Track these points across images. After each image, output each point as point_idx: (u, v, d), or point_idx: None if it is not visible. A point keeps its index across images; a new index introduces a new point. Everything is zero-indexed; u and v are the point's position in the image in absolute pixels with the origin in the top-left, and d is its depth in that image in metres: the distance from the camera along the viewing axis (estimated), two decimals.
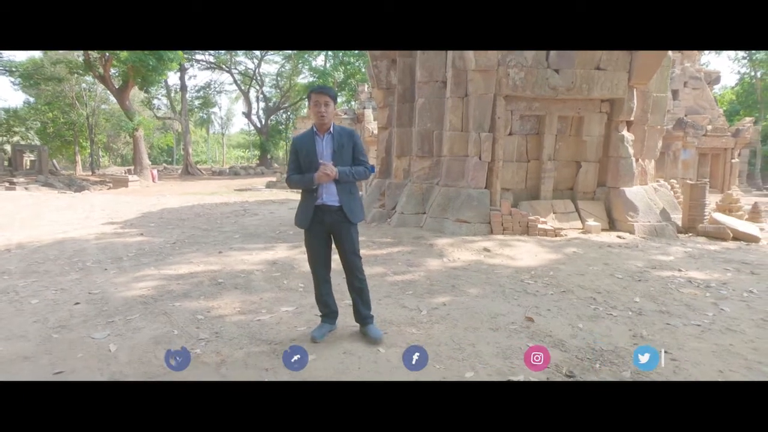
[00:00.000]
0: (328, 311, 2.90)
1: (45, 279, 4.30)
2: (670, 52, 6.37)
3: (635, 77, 6.11)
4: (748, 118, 18.46)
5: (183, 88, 30.42)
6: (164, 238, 6.24)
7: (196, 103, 38.99)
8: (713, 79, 20.15)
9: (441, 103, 6.62)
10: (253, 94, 37.59)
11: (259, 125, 36.99)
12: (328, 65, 32.37)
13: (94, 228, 7.31)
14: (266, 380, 2.34)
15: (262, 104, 38.20)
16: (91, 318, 3.22)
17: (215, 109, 47.85)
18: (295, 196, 15.53)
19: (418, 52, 6.64)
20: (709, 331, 2.97)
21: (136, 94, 28.26)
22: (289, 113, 40.44)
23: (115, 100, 26.55)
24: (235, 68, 35.77)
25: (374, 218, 7.11)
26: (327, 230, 2.73)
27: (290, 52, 32.18)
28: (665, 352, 2.66)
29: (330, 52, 31.56)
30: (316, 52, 31.99)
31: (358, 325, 2.91)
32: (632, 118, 6.43)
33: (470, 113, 6.23)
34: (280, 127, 40.60)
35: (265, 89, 37.71)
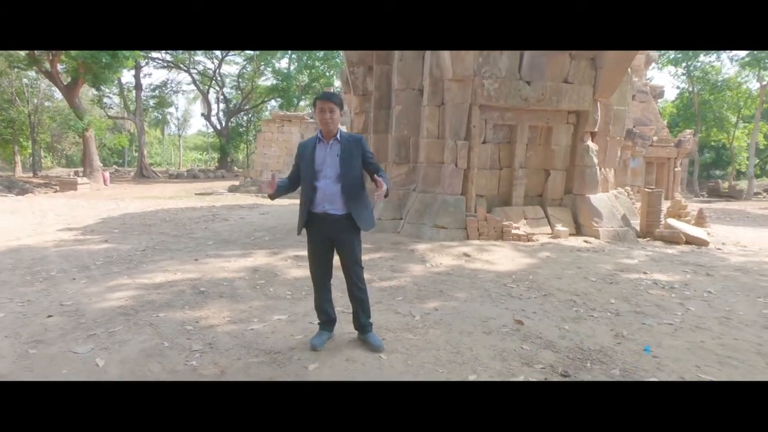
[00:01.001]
0: (327, 319, 2.89)
1: (5, 290, 4.00)
2: (630, 69, 6.81)
3: (599, 91, 6.50)
4: (688, 130, 19.95)
5: (138, 86, 29.02)
6: (132, 245, 5.95)
7: (151, 102, 37.31)
8: (657, 93, 21.65)
9: (418, 110, 6.75)
10: (212, 95, 36.48)
11: (219, 127, 35.90)
12: (292, 68, 31.96)
13: (51, 234, 6.85)
14: (268, 380, 2.31)
15: (222, 106, 37.12)
16: (69, 331, 3.04)
17: (171, 110, 46.04)
18: (263, 201, 15.25)
19: (396, 59, 6.74)
20: (681, 329, 3.22)
21: (84, 91, 26.70)
22: (250, 115, 39.55)
23: (60, 97, 24.97)
24: (194, 68, 34.58)
25: None
26: (329, 238, 2.72)
27: (252, 53, 31.55)
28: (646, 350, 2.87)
29: (294, 56, 31.22)
30: (279, 55, 31.55)
31: (355, 332, 2.92)
32: (596, 130, 6.82)
33: (446, 121, 6.39)
34: (241, 130, 39.59)
35: (226, 90, 36.69)
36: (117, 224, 7.82)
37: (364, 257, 5.15)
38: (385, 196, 2.57)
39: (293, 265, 4.94)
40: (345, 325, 3.04)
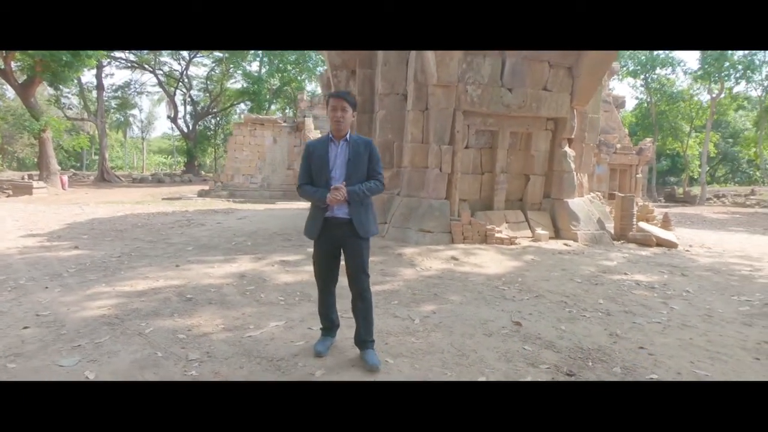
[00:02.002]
0: (330, 324, 2.82)
1: None
2: (605, 78, 7.09)
3: (576, 99, 6.74)
4: (648, 139, 20.96)
5: (99, 86, 27.79)
6: (106, 252, 5.65)
7: (113, 103, 35.85)
8: (619, 102, 22.67)
9: (402, 115, 6.78)
10: (179, 97, 35.42)
11: (186, 130, 34.85)
12: (263, 71, 31.47)
13: (12, 241, 6.41)
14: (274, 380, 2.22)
15: (189, 108, 36.09)
16: (50, 343, 2.84)
17: (135, 112, 44.40)
18: (237, 206, 14.89)
19: (379, 64, 6.75)
20: (669, 327, 3.35)
21: (40, 90, 25.29)
22: (218, 119, 38.66)
23: (13, 96, 23.57)
24: (160, 69, 33.48)
25: None
26: (336, 244, 2.62)
27: (221, 54, 30.86)
28: (641, 348, 2.97)
29: (265, 58, 30.77)
30: (249, 58, 31.02)
31: (347, 339, 2.84)
32: (573, 136, 7.06)
33: (431, 126, 6.44)
34: (209, 133, 38.65)
35: (193, 93, 35.72)
36: (85, 230, 7.42)
37: None
38: (348, 203, 2.47)
39: (281, 270, 4.83)
40: (347, 331, 2.99)
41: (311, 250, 2.60)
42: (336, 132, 2.55)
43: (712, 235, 9.17)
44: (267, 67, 31.28)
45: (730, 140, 37.32)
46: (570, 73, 6.69)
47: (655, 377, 2.52)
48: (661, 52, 27.44)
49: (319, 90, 33.69)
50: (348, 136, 2.58)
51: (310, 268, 4.96)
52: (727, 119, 35.16)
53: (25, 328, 3.07)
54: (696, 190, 28.87)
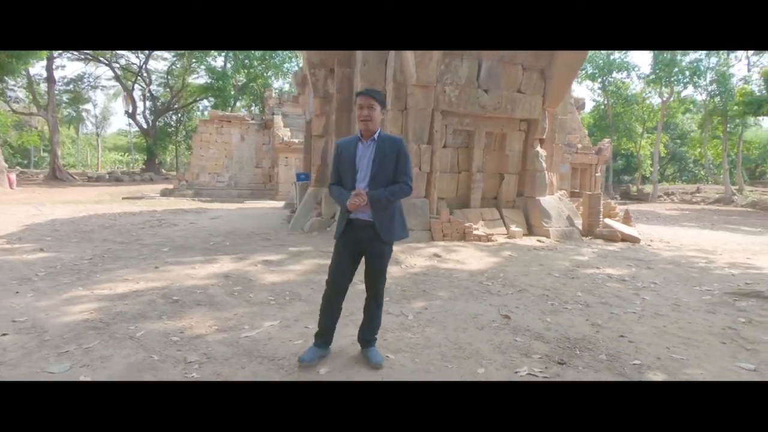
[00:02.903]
0: (328, 336, 2.65)
1: None
2: (575, 83, 7.41)
3: (548, 101, 7.02)
4: (606, 139, 22.03)
5: (50, 79, 26.19)
6: (75, 254, 5.39)
7: (65, 98, 33.90)
8: (580, 104, 23.73)
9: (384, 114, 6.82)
10: (138, 91, 33.90)
11: (145, 126, 33.43)
12: (228, 66, 30.64)
13: None
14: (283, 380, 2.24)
15: (149, 104, 34.63)
16: (34, 350, 2.71)
17: (88, 106, 42.18)
18: (207, 205, 14.51)
19: (359, 64, 6.78)
20: (644, 316, 3.59)
21: None
22: (180, 115, 37.34)
23: None
24: (116, 62, 31.93)
25: (313, 227, 7.02)
26: (358, 248, 2.55)
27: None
28: (621, 336, 3.17)
29: (230, 54, 29.97)
30: (213, 53, 30.12)
31: (355, 335, 2.87)
32: (545, 137, 7.35)
33: (410, 126, 6.53)
34: (170, 130, 37.25)
35: (153, 87, 34.31)
36: (47, 231, 7.03)
37: None
38: (373, 207, 2.41)
39: (265, 270, 4.78)
40: (345, 328, 3.03)
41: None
42: (364, 131, 2.48)
43: (667, 231, 9.79)
44: (232, 62, 30.50)
45: (678, 141, 39.75)
46: (542, 76, 6.96)
47: (638, 362, 2.71)
48: (617, 56, 28.85)
49: (286, 87, 33.20)
50: (377, 135, 2.49)
51: (296, 267, 4.98)
52: (675, 121, 37.40)
53: (3, 335, 2.92)
54: (648, 188, 30.62)
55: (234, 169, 19.71)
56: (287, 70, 30.89)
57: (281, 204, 14.87)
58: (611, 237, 7.28)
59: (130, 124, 40.17)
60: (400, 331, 3.13)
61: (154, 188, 22.40)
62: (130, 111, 32.41)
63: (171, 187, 19.85)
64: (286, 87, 31.35)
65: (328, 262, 2.64)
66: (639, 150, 34.34)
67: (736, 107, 22.44)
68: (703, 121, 29.66)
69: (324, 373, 2.48)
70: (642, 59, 71.95)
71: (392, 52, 6.47)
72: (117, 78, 32.33)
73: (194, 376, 2.44)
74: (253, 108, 33.66)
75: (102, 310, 3.43)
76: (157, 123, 34.14)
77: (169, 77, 33.80)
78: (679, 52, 25.91)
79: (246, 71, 29.82)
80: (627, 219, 9.45)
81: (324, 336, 2.67)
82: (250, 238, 6.53)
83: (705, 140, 30.67)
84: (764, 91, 20.00)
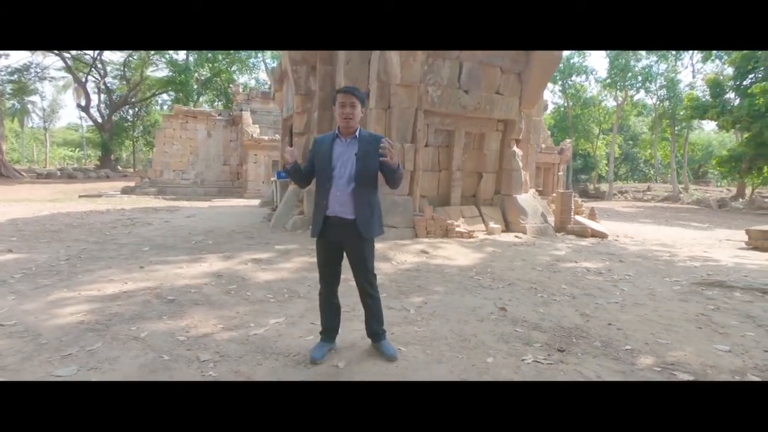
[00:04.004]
0: (331, 327, 2.71)
1: None
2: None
3: (524, 103, 7.31)
4: (568, 140, 22.99)
5: None
6: (48, 255, 5.13)
7: (8, 89, 31.63)
8: (543, 106, 24.67)
9: (364, 112, 6.87)
10: (92, 84, 32.13)
11: (100, 121, 31.73)
12: (190, 60, 29.58)
13: None
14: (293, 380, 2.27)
15: (103, 97, 32.88)
16: (32, 354, 2.60)
17: (35, 99, 39.54)
18: (178, 203, 14.04)
19: (342, 62, 6.79)
20: (626, 305, 3.85)
21: None
22: (138, 109, 35.71)
23: None
24: (67, 51, 30.07)
25: (295, 225, 6.98)
26: (338, 245, 2.58)
27: None
28: (610, 324, 3.41)
29: None
30: None
31: (356, 331, 2.91)
32: (521, 137, 7.64)
33: (393, 124, 6.63)
34: (126, 125, 35.54)
35: (108, 80, 32.60)
36: (10, 231, 6.60)
37: None
38: (362, 183, 2.46)
39: (257, 268, 4.74)
40: (351, 323, 3.08)
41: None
42: (344, 129, 2.48)
43: (629, 227, 10.40)
44: (195, 56, 29.46)
45: (631, 142, 42.03)
46: (519, 79, 7.23)
47: (629, 347, 2.93)
48: (576, 60, 30.14)
49: (252, 83, 32.46)
50: (358, 132, 2.51)
51: (286, 265, 4.98)
52: (628, 124, 39.51)
53: None
54: (604, 186, 32.23)
55: (200, 167, 19.12)
56: (253, 65, 30.23)
57: (255, 202, 14.59)
58: (582, 233, 7.67)
59: (82, 118, 38.02)
60: (405, 325, 3.22)
61: (113, 186, 21.36)
62: (83, 104, 30.66)
63: (132, 184, 19.01)
64: (252, 83, 30.69)
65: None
66: (596, 150, 36.08)
67: (683, 111, 24.03)
68: (653, 123, 31.53)
69: (342, 366, 2.53)
70: (599, 63, 75.28)
71: (376, 52, 6.53)
72: (68, 69, 30.50)
73: (211, 375, 2.43)
74: (216, 103, 32.70)
75: (95, 311, 3.31)
76: (113, 117, 32.47)
77: (125, 69, 32.23)
78: (633, 58, 27.42)
79: (210, 65, 28.89)
80: (592, 216, 9.97)
81: (330, 331, 2.72)
82: (232, 237, 6.42)
83: (655, 142, 32.62)
84: (708, 97, 21.54)
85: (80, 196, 16.59)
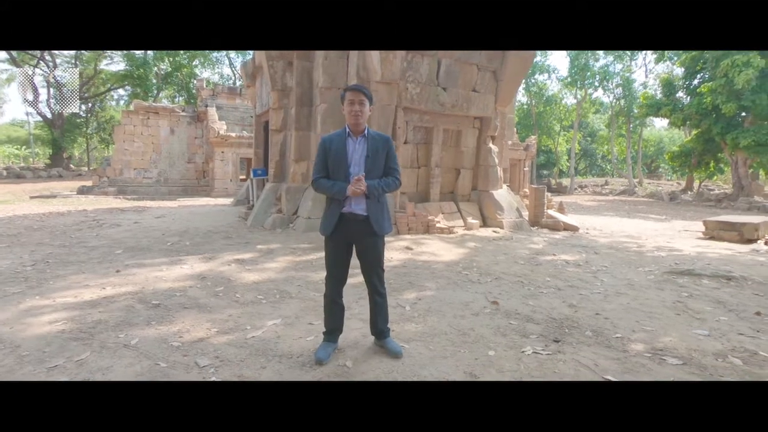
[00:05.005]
0: (335, 327, 2.69)
1: None
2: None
3: (499, 100, 7.46)
4: (532, 137, 23.65)
5: None
6: (11, 260, 4.79)
7: None
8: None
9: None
10: (40, 77, 30.12)
11: (49, 117, 29.85)
12: (150, 54, 28.29)
13: None
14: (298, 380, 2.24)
15: (53, 91, 30.89)
16: (14, 367, 2.43)
17: None
18: (145, 203, 13.44)
19: (320, 57, 6.70)
20: (608, 295, 4.02)
21: None
22: (91, 104, 33.83)
23: None
24: None
25: (275, 224, 6.84)
26: (350, 241, 2.59)
27: None
28: (597, 314, 3.55)
29: None
30: None
31: (360, 326, 2.90)
32: (496, 134, 7.80)
33: (374, 121, 6.60)
34: (79, 121, 33.60)
35: (58, 73, 30.65)
36: None
37: (310, 257, 5.11)
38: (367, 197, 2.47)
39: (241, 269, 4.61)
40: (349, 322, 3.06)
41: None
42: (354, 127, 2.50)
43: (595, 220, 10.85)
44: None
45: (589, 138, 43.83)
46: (495, 77, 7.38)
47: (619, 336, 3.06)
48: (539, 59, 31.05)
49: (216, 78, 31.47)
50: (366, 131, 2.54)
51: (272, 265, 4.88)
52: (587, 121, 41.14)
53: None
54: (565, 181, 33.46)
55: (163, 165, 18.37)
56: (216, 60, 29.28)
57: (223, 201, 14.18)
58: (555, 226, 7.94)
59: (29, 114, 35.58)
60: (403, 322, 3.22)
61: (67, 186, 20.19)
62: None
63: (89, 184, 18.04)
64: (216, 78, 29.73)
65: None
66: (557, 146, 37.38)
67: (639, 109, 25.28)
68: (610, 120, 33.01)
69: (351, 366, 2.51)
70: (561, 63, 78.02)
71: None
72: (13, 61, 28.49)
73: (214, 380, 2.35)
74: (177, 99, 31.49)
75: (75, 319, 3.13)
76: (65, 113, 30.61)
77: (77, 62, 30.44)
78: (592, 58, 28.57)
79: (170, 60, 27.74)
80: (561, 209, 10.34)
81: (334, 332, 2.70)
82: (209, 237, 6.21)
83: (612, 138, 34.15)
84: (661, 96, 22.75)
85: (32, 197, 15.58)
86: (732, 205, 17.89)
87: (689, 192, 24.35)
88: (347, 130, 2.55)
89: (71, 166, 32.80)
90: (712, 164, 22.20)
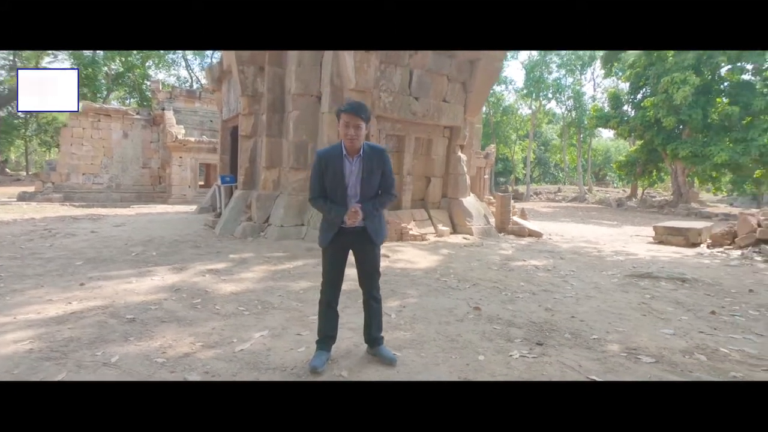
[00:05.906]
0: (329, 335, 2.68)
1: None
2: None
3: (468, 111, 7.69)
4: (492, 145, 24.46)
5: None
6: None
7: None
8: None
9: (316, 116, 6.79)
10: None
11: None
12: (99, 53, 26.80)
13: None
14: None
15: None
16: None
17: None
18: (96, 210, 12.71)
19: (293, 64, 6.64)
20: (580, 299, 4.24)
21: None
22: None
23: None
24: None
25: (245, 232, 6.68)
26: (347, 249, 2.64)
27: None
28: (572, 317, 3.73)
29: None
30: None
31: (351, 335, 2.90)
32: (465, 143, 8.03)
33: None
34: (17, 122, 31.28)
35: None
36: None
37: (286, 265, 5.04)
38: (364, 219, 2.52)
39: (216, 280, 4.47)
40: (339, 332, 3.04)
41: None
42: (350, 149, 2.49)
43: (554, 226, 11.37)
44: None
45: (543, 148, 45.83)
46: (464, 88, 7.60)
47: (596, 337, 3.23)
48: None
49: (172, 80, 30.30)
50: (362, 150, 2.52)
51: (247, 275, 4.78)
52: (541, 130, 43.03)
53: None
54: (521, 188, 34.81)
55: (115, 170, 17.43)
56: (172, 61, 28.21)
57: (182, 208, 13.63)
58: (520, 233, 8.25)
59: None
60: (391, 330, 3.25)
61: (5, 191, 18.71)
62: None
63: (31, 190, 16.80)
64: (172, 80, 28.62)
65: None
66: (513, 155, 38.84)
67: (588, 120, 26.80)
68: (562, 131, 34.72)
69: (347, 375, 2.51)
70: (517, 75, 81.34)
71: (328, 55, 6.48)
72: None
73: (213, 380, 2.27)
74: (128, 101, 30.03)
75: (43, 337, 2.92)
76: (0, 113, 28.40)
77: (15, 59, 28.36)
78: (545, 70, 30.01)
79: (122, 59, 26.43)
80: (524, 216, 10.75)
81: (328, 340, 2.69)
82: (176, 247, 5.96)
83: (564, 147, 35.92)
84: (609, 109, 24.25)
85: None
86: (673, 211, 19.28)
87: (634, 199, 26.01)
88: (343, 150, 2.52)
89: (7, 170, 30.43)
90: (654, 173, 23.84)
